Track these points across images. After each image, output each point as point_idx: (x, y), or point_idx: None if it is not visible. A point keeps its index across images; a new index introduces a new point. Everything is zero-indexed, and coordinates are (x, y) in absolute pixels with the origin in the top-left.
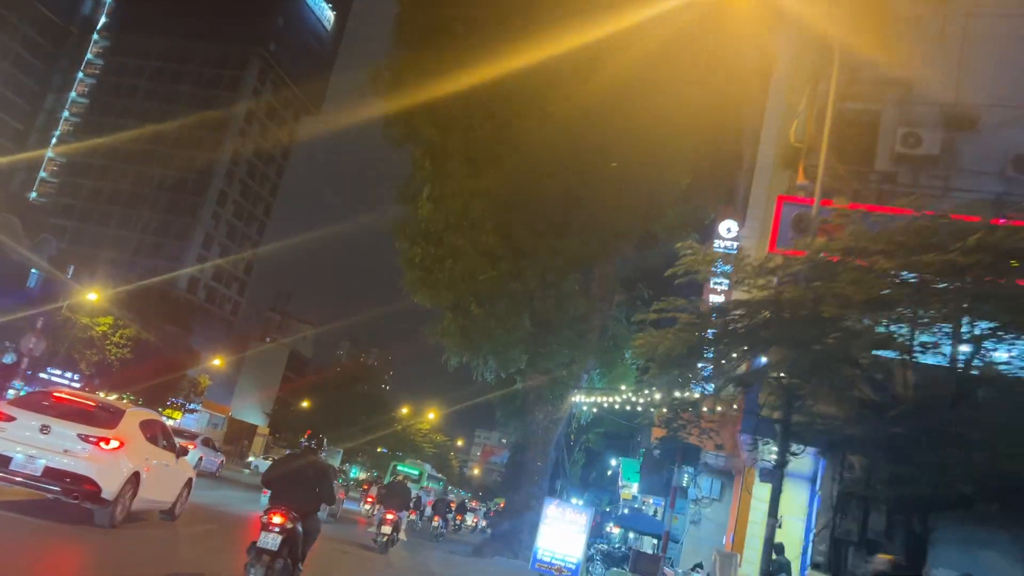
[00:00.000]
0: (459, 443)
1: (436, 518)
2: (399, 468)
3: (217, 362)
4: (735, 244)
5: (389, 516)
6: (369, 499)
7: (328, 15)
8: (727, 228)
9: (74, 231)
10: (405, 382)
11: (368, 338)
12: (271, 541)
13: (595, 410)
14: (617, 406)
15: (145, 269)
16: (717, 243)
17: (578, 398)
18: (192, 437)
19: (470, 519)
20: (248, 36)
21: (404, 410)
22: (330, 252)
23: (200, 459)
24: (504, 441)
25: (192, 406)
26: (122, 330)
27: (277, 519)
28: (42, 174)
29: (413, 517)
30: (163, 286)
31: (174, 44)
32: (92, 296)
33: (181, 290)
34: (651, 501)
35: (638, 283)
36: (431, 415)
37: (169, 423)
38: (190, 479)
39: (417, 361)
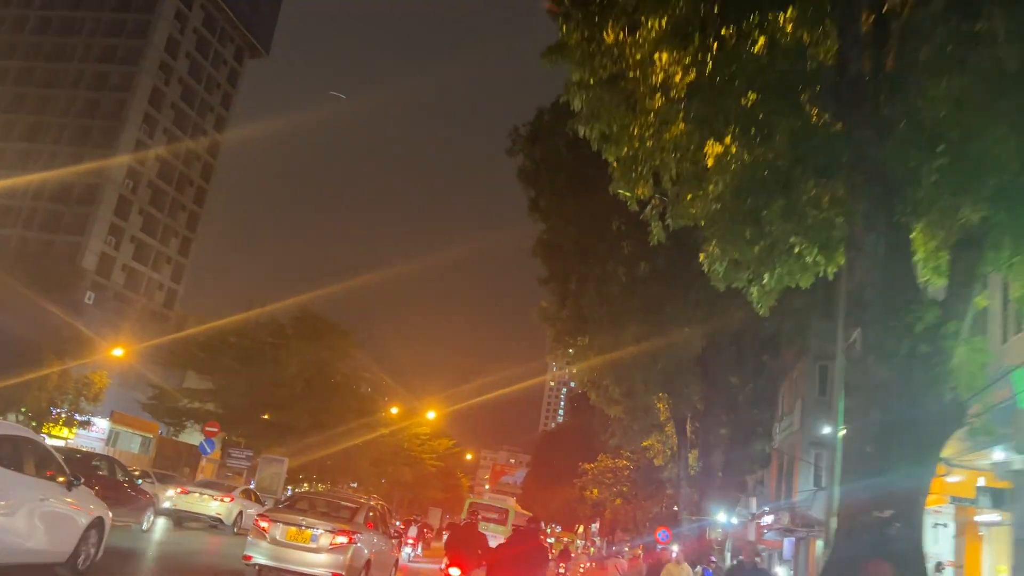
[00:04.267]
0: (468, 456)
1: (562, 563)
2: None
3: (119, 351)
4: None
5: (452, 571)
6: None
7: None
8: None
9: None
10: (391, 372)
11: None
12: None
13: None
14: None
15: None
16: None
17: None
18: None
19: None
20: None
21: (394, 410)
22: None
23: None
24: (513, 461)
25: (84, 418)
26: None
27: (454, 572)
28: None
29: None
30: (54, 258)
31: None
32: None
33: (87, 269)
34: None
35: None
36: (431, 414)
37: (59, 444)
38: (99, 519)
39: (402, 342)
